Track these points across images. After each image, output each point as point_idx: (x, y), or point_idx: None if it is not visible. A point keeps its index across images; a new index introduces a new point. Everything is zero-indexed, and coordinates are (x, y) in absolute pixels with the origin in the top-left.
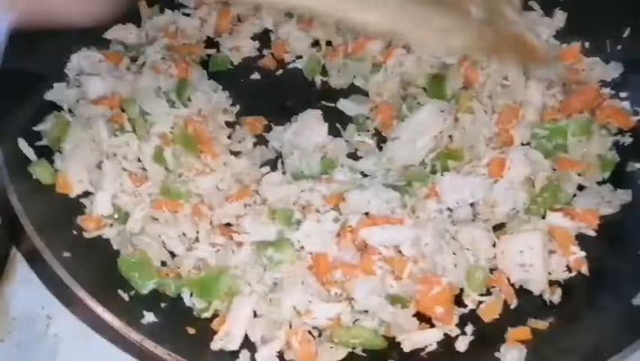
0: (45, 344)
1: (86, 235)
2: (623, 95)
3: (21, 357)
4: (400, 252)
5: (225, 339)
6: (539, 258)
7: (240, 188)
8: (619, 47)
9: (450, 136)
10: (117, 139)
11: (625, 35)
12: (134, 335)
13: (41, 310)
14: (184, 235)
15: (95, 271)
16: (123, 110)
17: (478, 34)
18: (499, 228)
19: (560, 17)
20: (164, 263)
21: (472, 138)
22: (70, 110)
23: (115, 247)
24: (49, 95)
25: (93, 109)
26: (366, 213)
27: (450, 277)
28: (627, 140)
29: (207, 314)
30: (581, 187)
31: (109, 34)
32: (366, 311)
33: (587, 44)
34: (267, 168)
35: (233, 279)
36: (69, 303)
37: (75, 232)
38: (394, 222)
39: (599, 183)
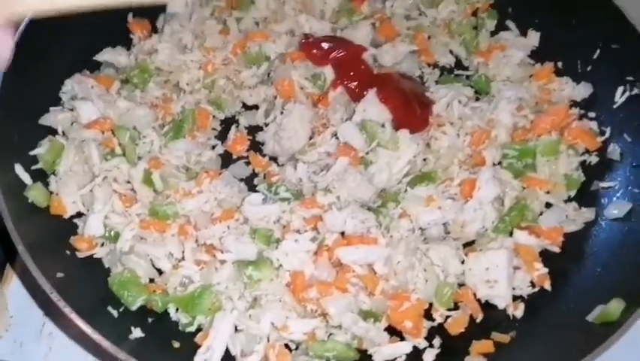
0: (40, 341)
1: (79, 255)
2: (591, 114)
3: (17, 353)
4: (373, 270)
5: (207, 353)
6: (504, 275)
7: (225, 210)
8: (589, 68)
9: (425, 159)
10: (108, 163)
11: (595, 57)
12: (121, 355)
13: (37, 310)
14: (171, 254)
15: (86, 290)
16: (114, 134)
17: None
18: (469, 244)
19: (534, 37)
20: (152, 280)
21: (446, 160)
22: (64, 134)
23: (106, 266)
24: (44, 120)
25: (85, 133)
26: (343, 233)
27: (420, 293)
28: (593, 159)
29: (192, 329)
30: (548, 205)
31: (99, 57)
32: (339, 326)
33: (559, 64)
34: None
35: (216, 295)
36: (61, 323)
37: (68, 252)
38: (368, 241)
39: (565, 201)
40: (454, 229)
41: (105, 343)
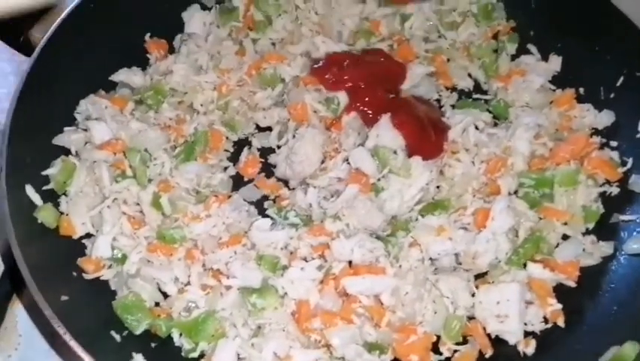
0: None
1: (86, 277)
2: (613, 144)
3: None
4: (380, 300)
5: None
6: (515, 310)
7: (232, 235)
8: (612, 95)
9: (438, 187)
10: (118, 185)
11: (619, 84)
12: None
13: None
14: (177, 278)
15: (90, 313)
16: (125, 155)
17: None
18: (481, 276)
19: (555, 62)
20: (157, 304)
21: (460, 189)
22: (77, 154)
23: (112, 288)
24: (58, 140)
25: (97, 154)
26: (350, 262)
27: (427, 326)
28: (614, 190)
29: (194, 355)
30: (564, 237)
31: (115, 77)
32: (343, 358)
33: (581, 90)
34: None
35: (220, 322)
36: (59, 352)
37: (75, 274)
38: (376, 271)
39: (583, 234)
40: (466, 260)
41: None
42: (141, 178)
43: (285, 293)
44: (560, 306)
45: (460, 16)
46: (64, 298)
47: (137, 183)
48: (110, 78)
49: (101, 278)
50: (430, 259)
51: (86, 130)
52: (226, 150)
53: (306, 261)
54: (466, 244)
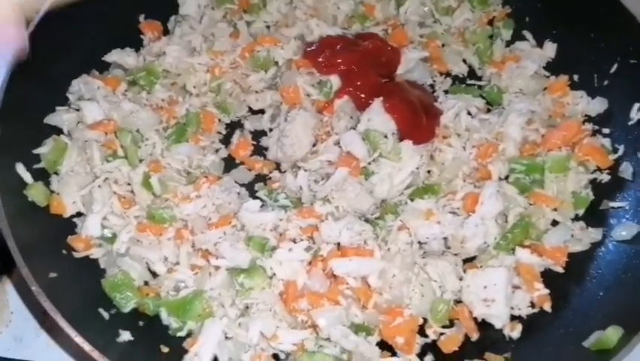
0: (39, 337)
1: (75, 255)
2: (605, 131)
3: (17, 348)
4: (367, 283)
5: (195, 359)
6: (502, 294)
7: (222, 216)
8: (605, 83)
9: (429, 171)
10: (109, 165)
11: (612, 71)
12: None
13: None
14: (166, 257)
15: (78, 291)
16: (117, 136)
17: None
18: (469, 260)
19: (550, 48)
20: (146, 283)
21: (451, 173)
22: (69, 134)
23: (102, 267)
24: (50, 119)
25: (89, 133)
26: (339, 244)
27: (414, 309)
28: (605, 177)
29: (182, 333)
30: (554, 223)
31: (108, 58)
32: (329, 339)
33: (575, 77)
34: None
35: (207, 301)
36: (49, 329)
37: (65, 252)
38: (364, 253)
39: (572, 220)
40: (454, 244)
41: (87, 346)
42: (132, 158)
43: (274, 274)
44: (546, 291)
45: (456, 1)
46: (52, 275)
47: (128, 163)
48: (103, 59)
49: (91, 257)
50: (419, 242)
51: (78, 110)
52: (218, 132)
53: (295, 242)
54: (455, 228)
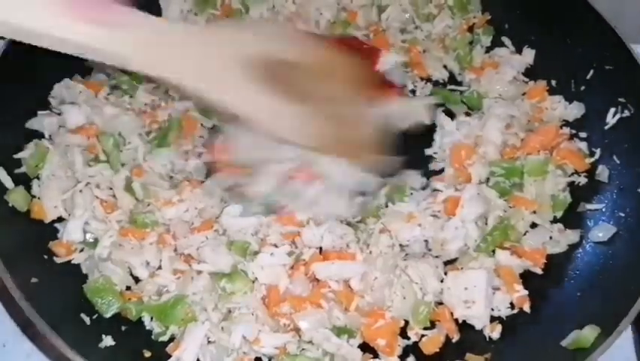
0: (23, 344)
1: (57, 260)
2: (582, 135)
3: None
4: (349, 286)
5: None
6: (482, 295)
7: (204, 220)
8: (582, 88)
9: None
10: (91, 169)
11: (588, 77)
12: None
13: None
14: (147, 262)
15: (60, 296)
16: (99, 140)
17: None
18: (450, 262)
19: (528, 55)
20: (128, 287)
21: None
22: (50, 138)
23: (84, 272)
24: (31, 124)
25: (71, 138)
26: (320, 248)
27: (395, 311)
28: (582, 180)
29: (164, 338)
30: (533, 225)
31: (91, 62)
32: (311, 342)
33: (552, 82)
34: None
35: (190, 306)
36: (31, 335)
37: (46, 257)
38: (345, 257)
39: (551, 222)
40: (435, 246)
41: (69, 351)
42: (114, 163)
43: (256, 278)
44: (526, 292)
45: (437, 8)
46: (34, 280)
47: (111, 167)
48: (85, 63)
49: (73, 262)
50: (400, 245)
51: (59, 114)
52: (201, 137)
53: (277, 247)
54: (435, 230)
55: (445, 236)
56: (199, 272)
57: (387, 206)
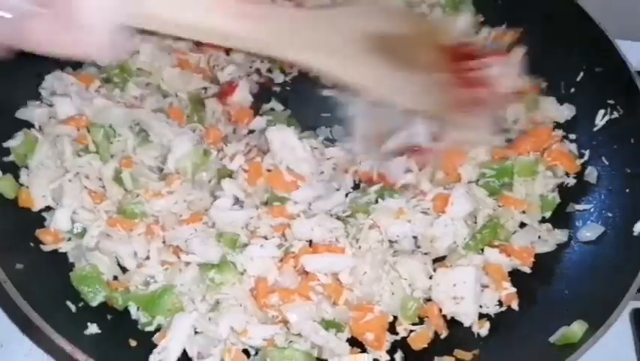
0: (22, 344)
1: (44, 248)
2: (572, 136)
3: None
4: (338, 279)
5: (163, 353)
6: (471, 292)
7: (193, 213)
8: (572, 90)
9: None
10: (80, 159)
11: (579, 79)
12: (71, 349)
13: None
14: (135, 253)
15: (45, 283)
16: (89, 131)
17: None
18: (439, 259)
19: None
20: (115, 277)
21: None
22: (40, 128)
23: (70, 260)
24: (21, 114)
25: (61, 128)
26: (310, 241)
27: (384, 306)
28: (571, 181)
29: (150, 328)
30: (522, 224)
31: None
32: (299, 334)
33: (543, 85)
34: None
35: (177, 296)
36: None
37: (32, 245)
38: (335, 250)
39: (540, 222)
40: (424, 243)
41: (51, 332)
42: (104, 154)
43: (244, 270)
44: (514, 290)
45: (428, 7)
46: (19, 266)
47: (100, 158)
48: None
49: (60, 250)
50: (390, 241)
51: (50, 105)
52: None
53: (267, 239)
54: (425, 227)
55: (435, 233)
56: (187, 263)
57: (377, 202)
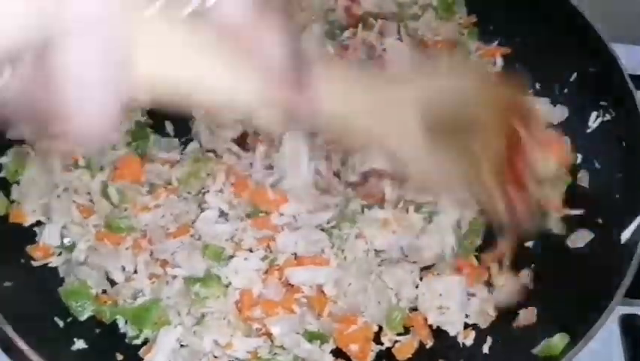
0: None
1: (34, 264)
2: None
3: None
4: (322, 291)
5: None
6: (456, 302)
7: (180, 225)
8: (565, 91)
9: None
10: (70, 174)
11: (572, 79)
12: None
13: None
14: (123, 267)
15: (33, 300)
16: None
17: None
18: (427, 268)
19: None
20: (104, 291)
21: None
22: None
23: (61, 275)
24: (11, 134)
25: (51, 143)
26: (295, 253)
27: (368, 317)
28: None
29: (138, 341)
30: None
31: None
32: (283, 346)
33: (537, 85)
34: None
35: (164, 309)
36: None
37: (23, 260)
38: (320, 262)
39: None
40: (411, 253)
41: (30, 353)
42: (93, 167)
43: (229, 283)
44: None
45: (420, 9)
46: (7, 283)
47: (90, 173)
48: None
49: (50, 265)
50: (376, 250)
51: None
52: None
53: (251, 251)
54: (411, 238)
55: (421, 243)
56: (174, 276)
57: (362, 212)
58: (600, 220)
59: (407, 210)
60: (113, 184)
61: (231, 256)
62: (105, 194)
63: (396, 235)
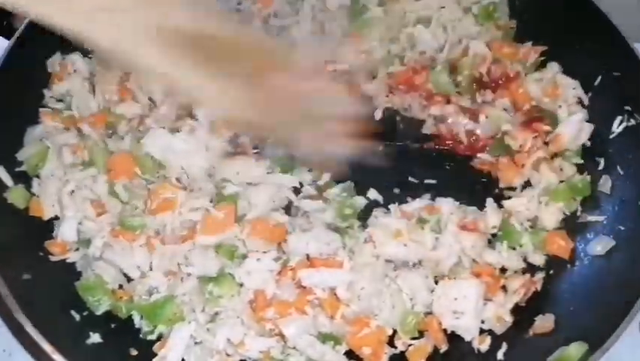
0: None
1: (52, 258)
2: (587, 144)
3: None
4: (335, 294)
5: None
6: (472, 307)
7: (191, 227)
8: (589, 95)
9: None
10: (82, 173)
11: (596, 83)
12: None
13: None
14: (138, 266)
15: (50, 294)
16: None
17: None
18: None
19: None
20: (120, 286)
21: None
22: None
23: (78, 270)
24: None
25: (62, 137)
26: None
27: (382, 320)
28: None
29: (152, 337)
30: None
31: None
32: (296, 347)
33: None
34: None
35: (178, 306)
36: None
37: (41, 254)
38: (332, 265)
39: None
40: (427, 263)
41: (46, 346)
42: (99, 165)
43: (242, 283)
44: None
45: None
46: (26, 276)
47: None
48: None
49: (67, 260)
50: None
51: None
52: None
53: (264, 252)
54: (423, 253)
55: (438, 255)
56: (188, 274)
57: (375, 217)
58: (622, 227)
59: (422, 227)
60: (119, 182)
61: (244, 255)
62: (113, 192)
63: (407, 248)
